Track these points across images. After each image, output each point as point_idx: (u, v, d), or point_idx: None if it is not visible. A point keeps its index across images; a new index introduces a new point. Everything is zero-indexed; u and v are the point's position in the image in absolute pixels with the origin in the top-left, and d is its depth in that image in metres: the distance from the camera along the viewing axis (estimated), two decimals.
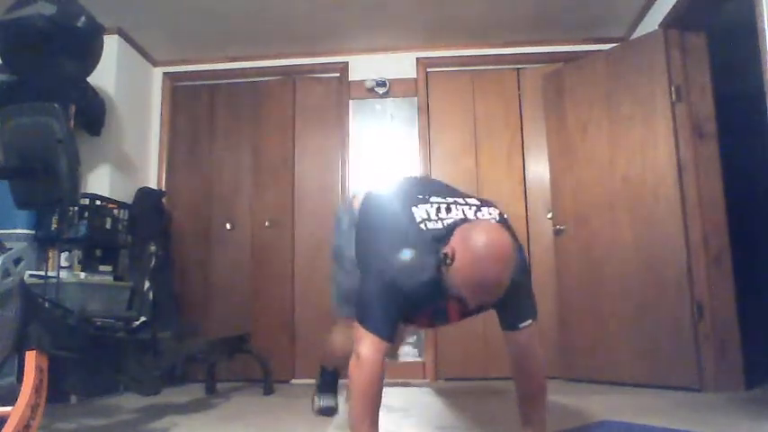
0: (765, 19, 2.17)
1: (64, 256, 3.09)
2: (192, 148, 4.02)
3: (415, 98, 3.90)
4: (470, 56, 3.82)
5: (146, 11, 3.45)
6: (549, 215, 3.60)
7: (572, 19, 3.61)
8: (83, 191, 3.13)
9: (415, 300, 1.59)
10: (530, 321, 1.67)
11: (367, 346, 1.57)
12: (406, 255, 1.55)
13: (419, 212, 1.63)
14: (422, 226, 1.59)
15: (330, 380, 2.45)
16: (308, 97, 3.99)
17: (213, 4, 3.40)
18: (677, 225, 2.98)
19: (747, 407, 2.47)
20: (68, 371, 2.17)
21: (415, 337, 3.44)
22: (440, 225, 1.58)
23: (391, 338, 1.61)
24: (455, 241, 1.48)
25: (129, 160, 3.75)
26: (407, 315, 1.70)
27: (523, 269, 1.68)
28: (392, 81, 3.90)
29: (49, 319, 1.93)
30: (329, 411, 2.41)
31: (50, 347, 1.71)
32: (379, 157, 3.86)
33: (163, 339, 2.48)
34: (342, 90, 3.95)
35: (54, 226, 3.01)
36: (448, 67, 3.95)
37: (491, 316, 1.68)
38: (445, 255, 1.47)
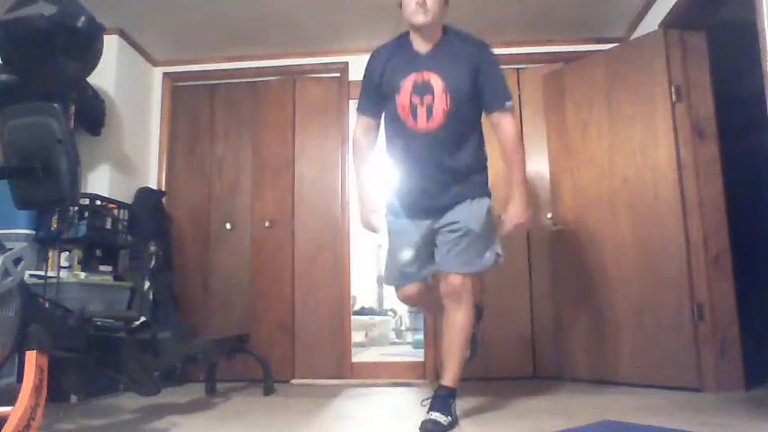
0: (765, 19, 2.17)
1: (64, 256, 3.09)
2: (192, 148, 4.02)
3: None
4: None
5: (146, 11, 3.44)
6: (549, 215, 3.60)
7: (572, 19, 3.61)
8: (83, 191, 3.13)
9: (389, 67, 2.34)
10: (510, 103, 2.25)
11: (355, 124, 2.45)
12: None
13: None
14: None
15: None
16: (308, 97, 3.99)
17: (213, 4, 3.40)
18: (677, 225, 2.98)
19: (747, 407, 2.47)
20: (68, 371, 2.17)
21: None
22: None
23: (367, 112, 2.38)
24: None
25: (129, 160, 3.75)
26: (390, 89, 2.28)
27: (492, 53, 2.29)
28: None
29: (49, 319, 1.93)
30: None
31: (50, 347, 1.71)
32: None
33: (163, 339, 2.48)
34: (342, 90, 3.95)
35: (54, 226, 3.01)
36: None
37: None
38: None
